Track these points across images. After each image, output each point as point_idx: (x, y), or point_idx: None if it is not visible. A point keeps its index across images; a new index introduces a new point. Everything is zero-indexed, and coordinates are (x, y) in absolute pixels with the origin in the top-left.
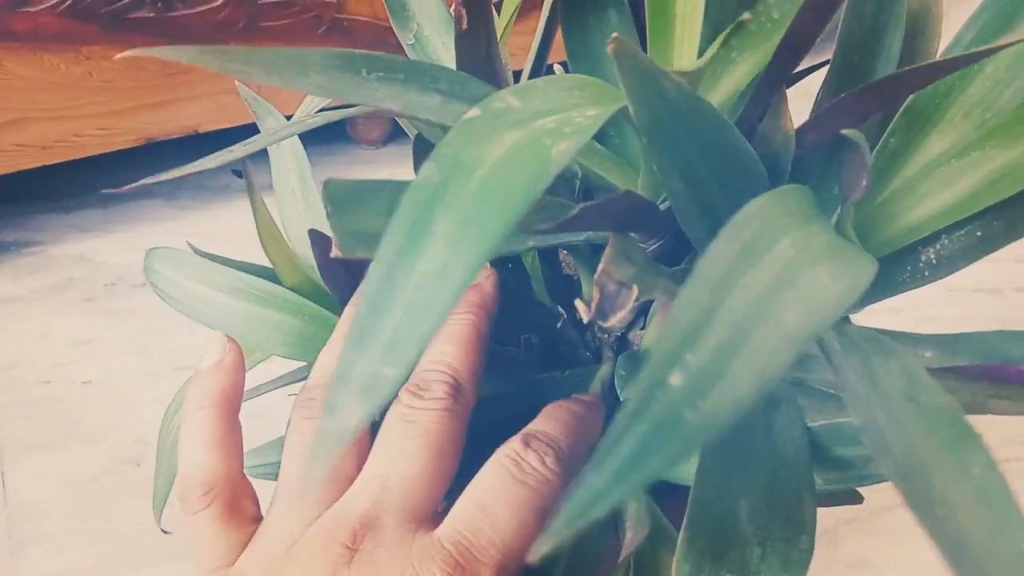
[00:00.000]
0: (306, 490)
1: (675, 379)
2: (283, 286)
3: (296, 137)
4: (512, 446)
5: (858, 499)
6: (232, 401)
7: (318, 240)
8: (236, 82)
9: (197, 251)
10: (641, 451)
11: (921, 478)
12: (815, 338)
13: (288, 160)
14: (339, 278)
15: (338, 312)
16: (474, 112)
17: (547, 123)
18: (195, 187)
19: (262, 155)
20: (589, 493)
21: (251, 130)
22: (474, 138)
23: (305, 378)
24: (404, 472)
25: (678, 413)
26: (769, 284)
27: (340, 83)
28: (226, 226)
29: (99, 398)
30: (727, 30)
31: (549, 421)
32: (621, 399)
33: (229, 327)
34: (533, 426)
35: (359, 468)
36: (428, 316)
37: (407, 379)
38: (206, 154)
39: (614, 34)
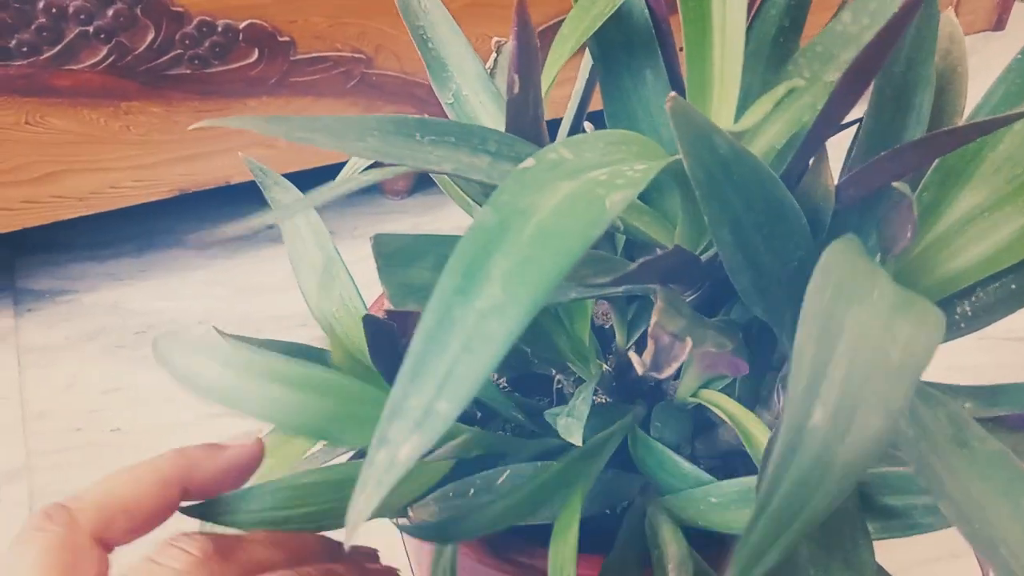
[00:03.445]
0: None
1: (817, 417)
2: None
3: (313, 211)
4: None
5: None
6: (188, 483)
7: (370, 324)
8: (240, 154)
9: (219, 332)
10: (800, 492)
11: (981, 520)
12: (919, 376)
13: (303, 229)
14: (388, 360)
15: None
16: (529, 163)
17: (599, 175)
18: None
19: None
20: (754, 546)
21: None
22: (530, 186)
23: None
24: None
25: (829, 449)
26: (867, 326)
27: (396, 147)
28: (253, 276)
29: (129, 446)
30: (782, 95)
31: None
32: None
33: (244, 406)
34: None
35: None
36: (485, 352)
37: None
38: (237, 204)
39: (672, 93)
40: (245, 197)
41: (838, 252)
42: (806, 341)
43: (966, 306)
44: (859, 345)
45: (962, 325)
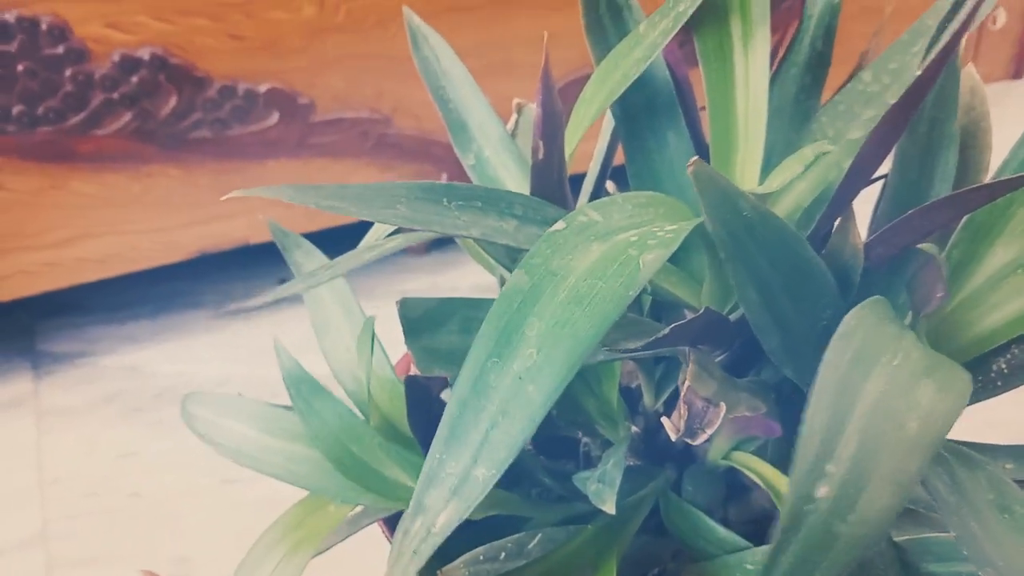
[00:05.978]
0: None
1: (821, 491)
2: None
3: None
4: None
5: None
6: None
7: (412, 385)
8: (265, 217)
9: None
10: (800, 568)
11: None
12: (938, 447)
13: (325, 293)
14: (424, 424)
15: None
16: (559, 225)
17: (629, 236)
18: (242, 297)
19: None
20: None
21: None
22: (561, 249)
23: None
24: None
25: (830, 526)
26: (885, 395)
27: (425, 213)
28: (270, 337)
29: (147, 511)
30: (811, 159)
31: None
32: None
33: (267, 466)
34: None
35: None
36: (523, 416)
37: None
38: (254, 265)
39: (694, 157)
40: (262, 258)
41: (861, 317)
42: (817, 411)
43: (1002, 364)
44: (874, 416)
45: (998, 383)
